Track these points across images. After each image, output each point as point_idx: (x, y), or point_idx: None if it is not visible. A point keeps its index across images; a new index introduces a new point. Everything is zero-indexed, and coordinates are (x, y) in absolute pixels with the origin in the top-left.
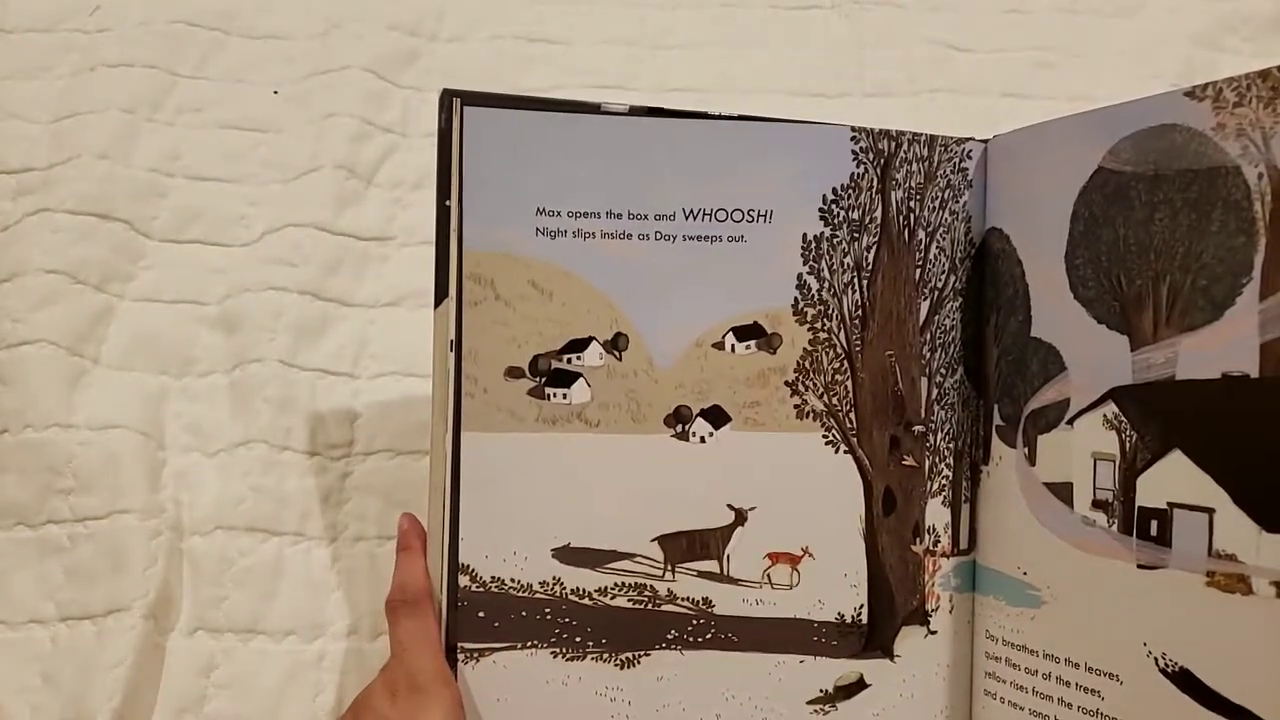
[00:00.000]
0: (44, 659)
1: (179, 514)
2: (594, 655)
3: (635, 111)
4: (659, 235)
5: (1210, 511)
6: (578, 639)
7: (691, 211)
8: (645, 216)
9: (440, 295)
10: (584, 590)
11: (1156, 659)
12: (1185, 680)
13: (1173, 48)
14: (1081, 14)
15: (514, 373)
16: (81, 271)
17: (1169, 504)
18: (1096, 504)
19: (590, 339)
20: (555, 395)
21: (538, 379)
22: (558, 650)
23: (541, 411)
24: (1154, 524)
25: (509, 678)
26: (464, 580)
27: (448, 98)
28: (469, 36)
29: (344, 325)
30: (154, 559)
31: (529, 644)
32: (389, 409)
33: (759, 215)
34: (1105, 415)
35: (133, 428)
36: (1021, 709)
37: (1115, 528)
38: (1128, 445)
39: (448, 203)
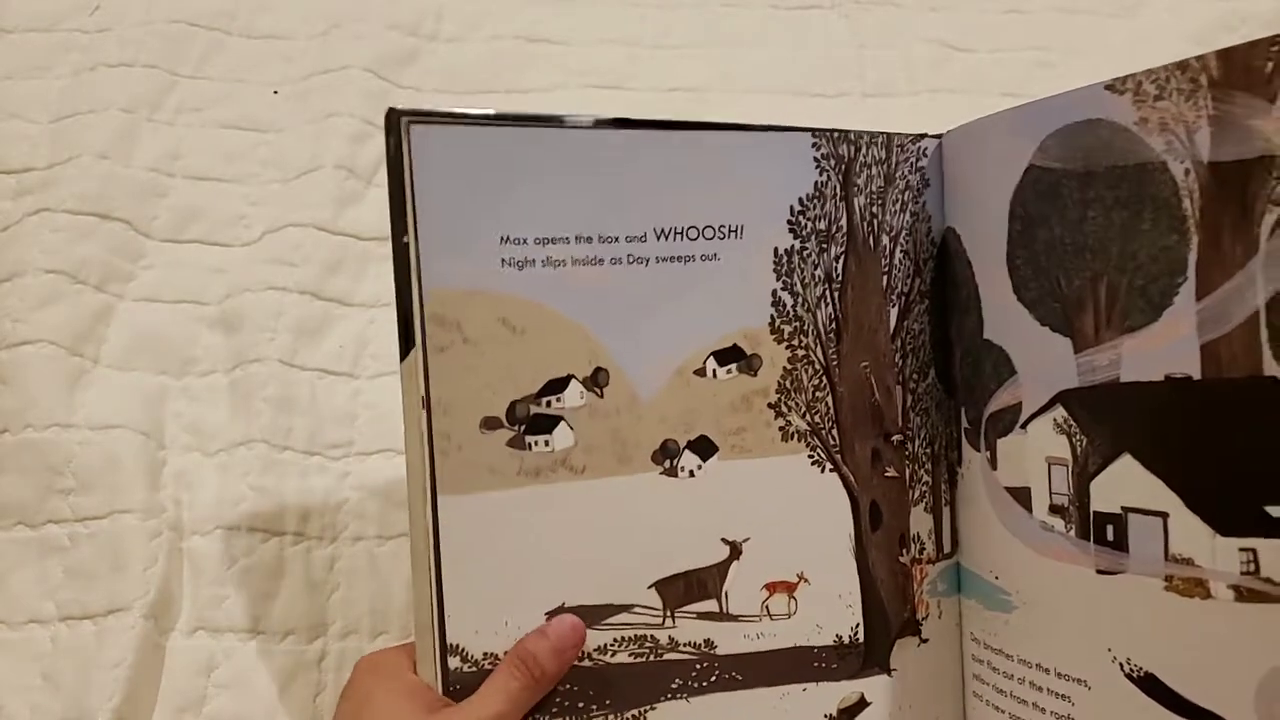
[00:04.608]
0: (44, 659)
1: (179, 514)
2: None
3: (601, 124)
4: (631, 258)
5: (1164, 516)
6: (580, 705)
7: (663, 231)
8: (616, 239)
9: (405, 347)
10: (583, 652)
11: (1122, 664)
12: (1151, 685)
13: (1172, 48)
14: (1081, 14)
15: (490, 423)
16: (81, 271)
17: (1123, 508)
18: (1054, 509)
19: (569, 377)
20: (536, 444)
21: (516, 427)
22: (561, 719)
23: (523, 463)
24: (1110, 529)
25: None
26: (454, 662)
27: (395, 118)
28: (469, 36)
29: (344, 325)
30: (154, 559)
31: (529, 719)
32: (389, 409)
33: (730, 231)
34: (1055, 419)
35: (133, 428)
36: (1003, 712)
37: (1073, 533)
38: (1078, 449)
39: (406, 239)
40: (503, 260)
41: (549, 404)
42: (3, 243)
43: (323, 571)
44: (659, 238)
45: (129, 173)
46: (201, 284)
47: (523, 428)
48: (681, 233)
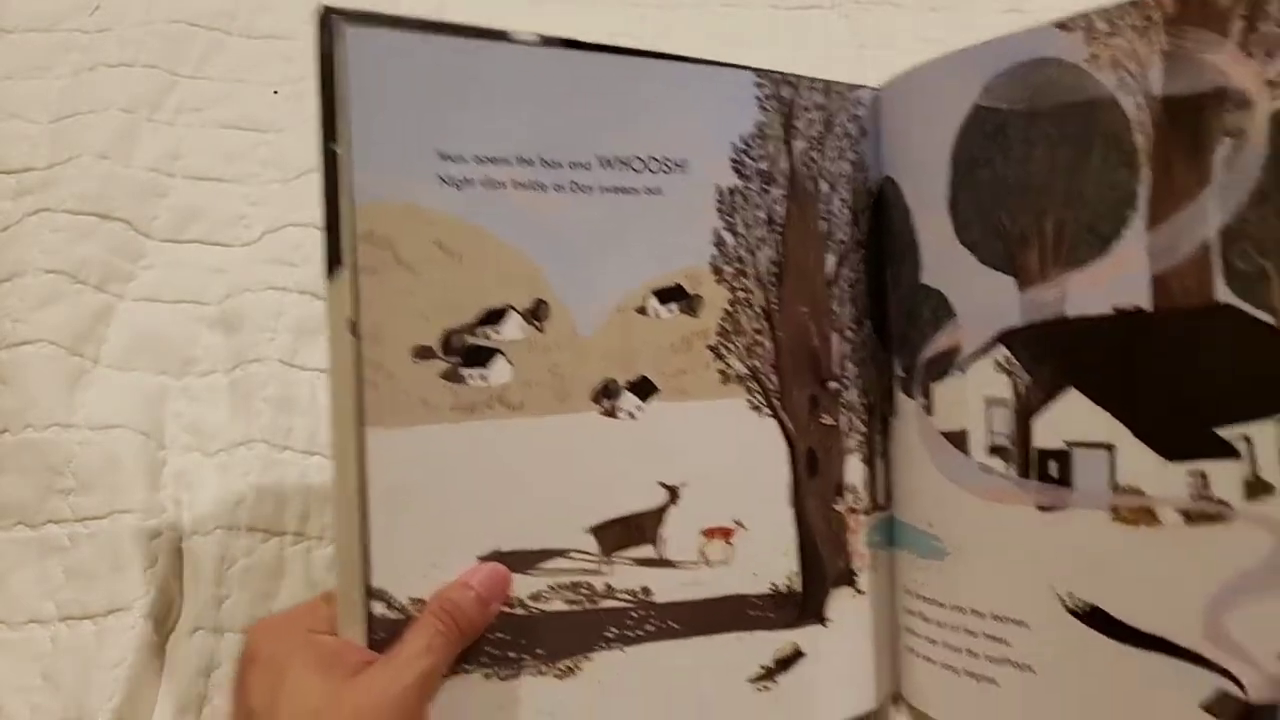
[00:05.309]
0: (44, 659)
1: (179, 514)
2: (530, 670)
3: (548, 42)
4: (575, 186)
5: (1110, 448)
6: (510, 654)
7: (607, 159)
8: (560, 164)
9: (332, 265)
10: (515, 599)
11: (1063, 599)
12: (1095, 617)
13: None
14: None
15: (423, 353)
16: (81, 271)
17: (1067, 443)
18: (994, 450)
19: (508, 308)
20: (472, 377)
21: (451, 359)
22: (490, 670)
23: (458, 397)
24: (1053, 465)
25: (436, 712)
26: (379, 608)
27: (326, 15)
28: None
29: None
30: (154, 559)
31: (457, 670)
32: None
33: (674, 165)
34: (996, 360)
35: (133, 428)
36: (934, 662)
37: (1014, 472)
38: (1020, 388)
39: (334, 146)
40: (440, 177)
41: (486, 335)
42: (3, 243)
43: (323, 571)
44: (603, 166)
45: (129, 173)
46: (201, 284)
47: (458, 360)
48: (625, 162)
